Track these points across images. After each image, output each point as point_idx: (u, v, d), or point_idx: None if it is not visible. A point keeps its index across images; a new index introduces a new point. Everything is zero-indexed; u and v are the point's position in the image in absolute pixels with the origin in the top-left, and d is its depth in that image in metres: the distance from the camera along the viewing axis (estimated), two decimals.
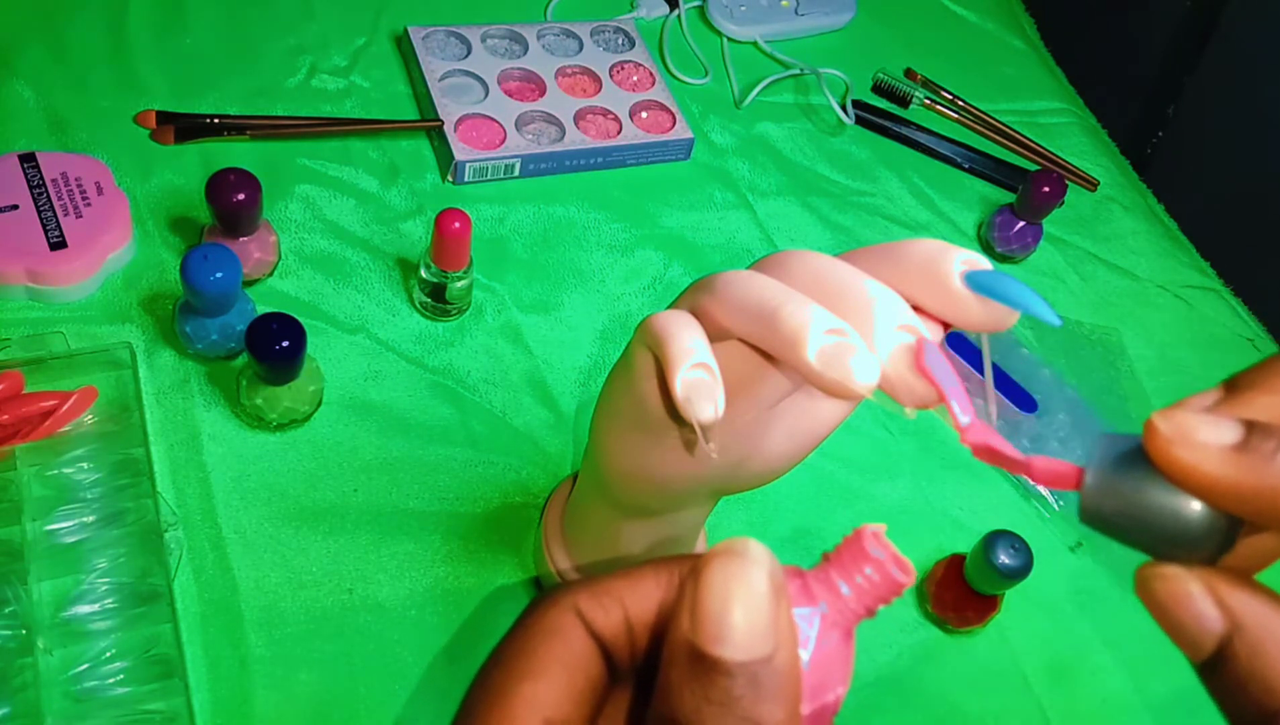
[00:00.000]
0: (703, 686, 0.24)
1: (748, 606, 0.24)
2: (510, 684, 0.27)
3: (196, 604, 0.49)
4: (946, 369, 0.28)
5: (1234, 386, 0.24)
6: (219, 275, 0.52)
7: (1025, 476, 0.27)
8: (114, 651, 0.46)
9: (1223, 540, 0.23)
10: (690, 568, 0.25)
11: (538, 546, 0.52)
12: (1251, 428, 0.22)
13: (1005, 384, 0.69)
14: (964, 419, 0.27)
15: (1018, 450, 0.27)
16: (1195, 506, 0.23)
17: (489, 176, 0.71)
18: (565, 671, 0.27)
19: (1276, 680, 0.21)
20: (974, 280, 0.29)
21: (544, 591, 0.30)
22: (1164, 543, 0.23)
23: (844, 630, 0.26)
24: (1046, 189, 0.73)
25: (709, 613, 0.24)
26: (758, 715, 0.23)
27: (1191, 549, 0.23)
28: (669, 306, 0.35)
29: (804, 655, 0.25)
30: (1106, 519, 0.24)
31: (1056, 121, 0.92)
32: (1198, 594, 0.23)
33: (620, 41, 0.83)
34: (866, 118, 0.85)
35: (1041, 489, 0.64)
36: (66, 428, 0.51)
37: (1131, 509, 0.24)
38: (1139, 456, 0.24)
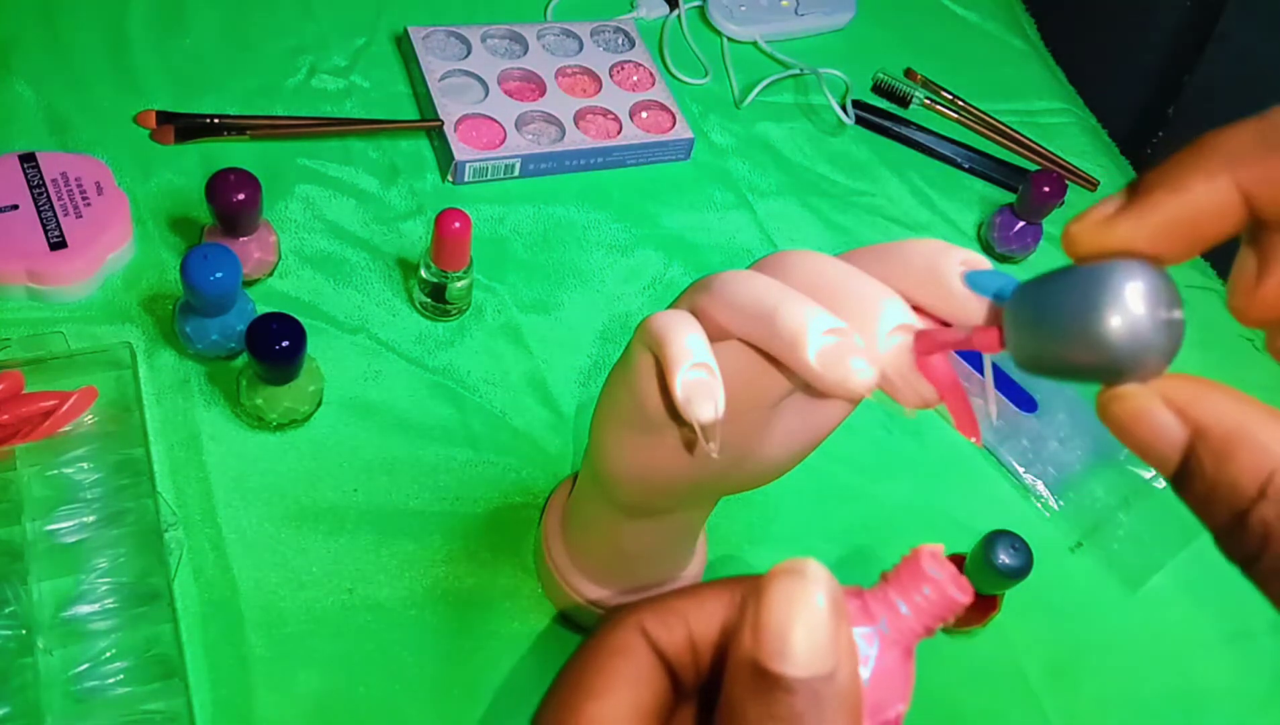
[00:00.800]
0: (765, 703, 0.24)
1: (809, 624, 0.24)
2: (577, 701, 0.28)
3: (196, 604, 0.49)
4: (944, 363, 0.28)
5: (1134, 188, 0.24)
6: (219, 275, 0.52)
7: (968, 348, 0.27)
8: (114, 651, 0.46)
9: (1169, 342, 0.23)
10: (752, 587, 0.26)
11: (538, 546, 0.52)
12: (1131, 190, 0.23)
13: (1005, 384, 0.69)
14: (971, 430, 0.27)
15: (953, 333, 0.27)
16: (1115, 320, 0.22)
17: (489, 176, 0.71)
18: (631, 689, 0.28)
19: (1240, 478, 0.21)
20: (974, 280, 0.29)
21: (610, 611, 0.30)
22: (1102, 365, 0.23)
23: (903, 649, 0.27)
24: (1046, 189, 0.73)
25: (771, 630, 0.24)
26: None
27: (1131, 362, 0.22)
28: (669, 306, 0.35)
29: (864, 673, 0.26)
30: (1040, 362, 0.24)
31: (1056, 121, 0.92)
32: (1154, 408, 0.22)
33: (620, 41, 0.83)
34: (866, 118, 0.85)
35: (1040, 488, 0.64)
36: (66, 428, 0.51)
37: (1057, 345, 0.23)
38: (1050, 295, 0.24)
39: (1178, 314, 0.23)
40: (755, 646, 0.24)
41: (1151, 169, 0.23)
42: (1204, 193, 0.22)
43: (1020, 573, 0.52)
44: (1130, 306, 0.22)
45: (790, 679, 0.24)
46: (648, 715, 0.28)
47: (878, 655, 0.26)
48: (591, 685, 0.28)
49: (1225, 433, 0.21)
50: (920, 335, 0.28)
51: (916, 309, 0.30)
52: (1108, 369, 0.23)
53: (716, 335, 0.32)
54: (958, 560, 0.56)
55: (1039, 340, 0.24)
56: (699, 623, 0.29)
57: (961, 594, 0.27)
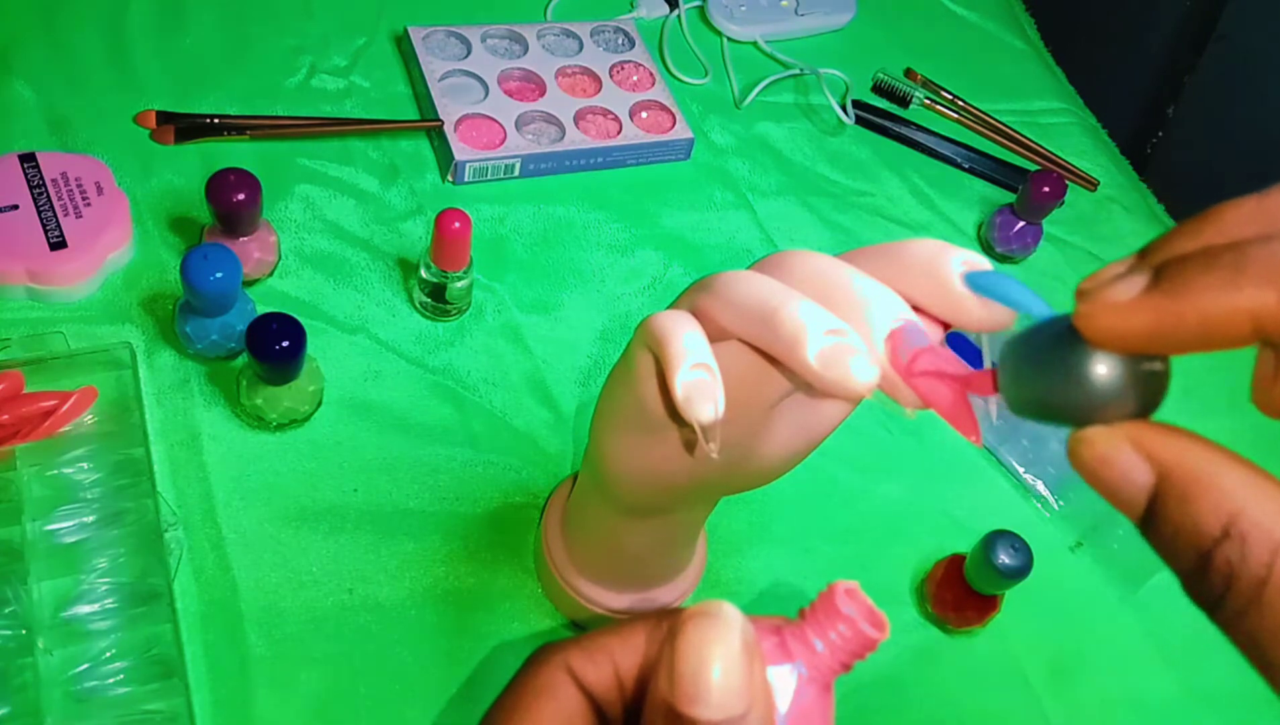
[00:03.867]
0: None
1: (722, 667, 0.24)
2: None
3: (196, 604, 0.49)
4: (934, 358, 0.28)
5: (1145, 253, 0.23)
6: (219, 275, 0.52)
7: (971, 392, 0.27)
8: (114, 651, 0.46)
9: (1145, 393, 0.23)
10: (668, 629, 0.26)
11: (538, 546, 0.52)
12: (1160, 268, 0.22)
13: None
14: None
15: (955, 369, 0.27)
16: (1101, 368, 0.23)
17: (489, 176, 0.71)
18: None
19: (1203, 519, 0.21)
20: (974, 280, 0.29)
21: (538, 649, 0.31)
22: (1083, 410, 0.23)
23: (821, 685, 0.27)
24: (1046, 189, 0.73)
25: (684, 674, 0.25)
26: None
27: (1113, 408, 0.23)
28: (669, 306, 0.35)
29: (781, 711, 0.26)
30: (1026, 405, 0.25)
31: (1056, 121, 0.92)
32: (1122, 450, 0.22)
33: (620, 41, 0.83)
34: (866, 118, 0.85)
35: (1040, 488, 0.64)
36: (66, 428, 0.51)
37: (1043, 389, 0.24)
38: (1044, 339, 0.24)
39: (1159, 365, 0.23)
40: (669, 690, 0.25)
41: (1180, 251, 0.22)
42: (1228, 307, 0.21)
43: (1020, 573, 0.52)
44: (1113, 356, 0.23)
45: (704, 722, 0.24)
46: None
47: (795, 693, 0.26)
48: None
49: (1188, 474, 0.22)
50: (923, 354, 0.28)
51: (916, 309, 0.30)
52: (1092, 406, 0.23)
53: (716, 335, 0.32)
54: (958, 560, 0.56)
55: (1028, 382, 0.25)
56: (625, 658, 0.29)
57: (875, 630, 0.27)
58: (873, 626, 0.27)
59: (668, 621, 0.29)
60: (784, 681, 0.27)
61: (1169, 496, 0.22)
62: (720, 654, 0.25)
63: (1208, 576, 0.21)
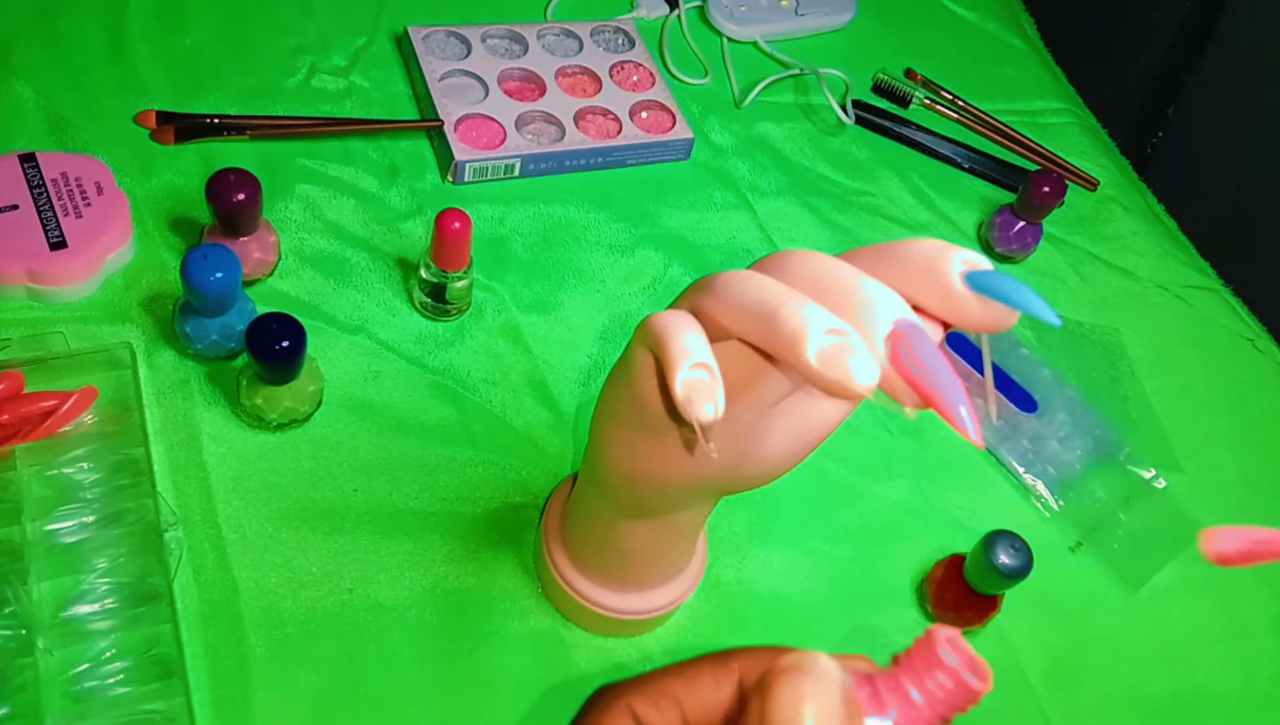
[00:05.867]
0: None
1: (818, 723, 0.23)
2: None
3: (196, 604, 0.49)
4: (935, 361, 0.27)
5: None
6: (219, 275, 0.52)
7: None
8: (114, 651, 0.46)
9: None
10: (750, 670, 0.25)
11: (538, 546, 0.52)
12: None
13: (1005, 384, 0.69)
14: (971, 431, 0.27)
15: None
16: None
17: (489, 176, 0.71)
18: None
19: None
20: (974, 280, 0.29)
21: (599, 690, 0.30)
22: None
23: None
24: (1046, 189, 0.73)
25: None
26: None
27: None
28: (669, 306, 0.35)
29: None
30: None
31: (1056, 121, 0.92)
32: None
33: (620, 41, 0.83)
34: (866, 118, 0.85)
35: (1040, 488, 0.64)
36: (66, 428, 0.51)
37: None
38: None
39: None
40: None
41: None
42: None
43: (1020, 573, 0.52)
44: None
45: None
46: None
47: None
48: None
49: None
50: (908, 378, 0.26)
51: (917, 309, 0.30)
52: None
53: (716, 335, 0.32)
54: (958, 560, 0.56)
55: None
56: (692, 705, 0.28)
57: (979, 681, 0.25)
58: (976, 677, 0.25)
59: (742, 664, 0.28)
60: None
61: None
62: (817, 711, 0.23)
63: None
